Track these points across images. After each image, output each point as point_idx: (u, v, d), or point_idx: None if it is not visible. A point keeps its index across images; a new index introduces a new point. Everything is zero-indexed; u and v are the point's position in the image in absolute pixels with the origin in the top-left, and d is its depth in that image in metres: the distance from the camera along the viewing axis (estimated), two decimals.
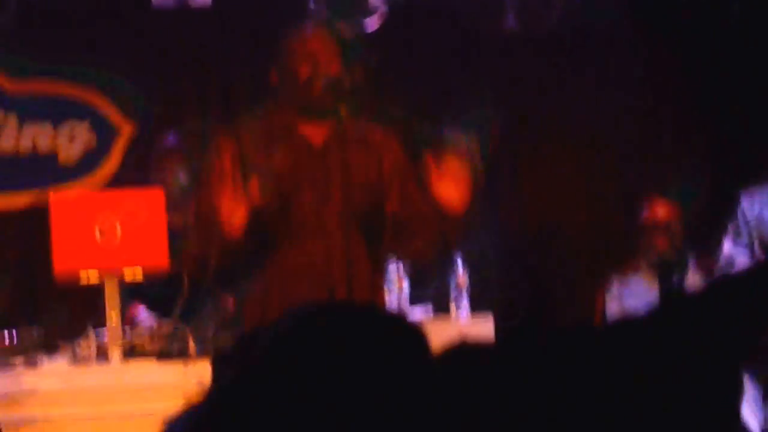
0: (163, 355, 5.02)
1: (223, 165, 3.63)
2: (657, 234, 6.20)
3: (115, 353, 5.03)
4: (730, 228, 5.24)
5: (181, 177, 5.84)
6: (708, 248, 5.75)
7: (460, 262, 6.10)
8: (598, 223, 7.48)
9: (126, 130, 7.13)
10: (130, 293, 5.45)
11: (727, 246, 5.26)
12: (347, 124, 3.66)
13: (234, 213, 3.55)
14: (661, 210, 6.26)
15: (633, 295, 6.21)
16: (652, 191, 6.61)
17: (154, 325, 5.25)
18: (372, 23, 6.84)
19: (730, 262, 5.20)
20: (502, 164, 7.25)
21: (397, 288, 5.99)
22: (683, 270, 6.20)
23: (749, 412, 4.95)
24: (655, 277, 6.25)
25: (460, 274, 6.08)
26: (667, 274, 6.23)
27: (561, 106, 7.33)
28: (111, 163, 7.12)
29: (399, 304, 5.95)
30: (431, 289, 6.29)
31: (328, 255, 3.62)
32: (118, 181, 6.91)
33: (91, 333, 5.10)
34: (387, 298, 5.42)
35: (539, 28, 7.04)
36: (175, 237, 5.07)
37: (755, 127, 7.08)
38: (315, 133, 3.71)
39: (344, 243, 3.57)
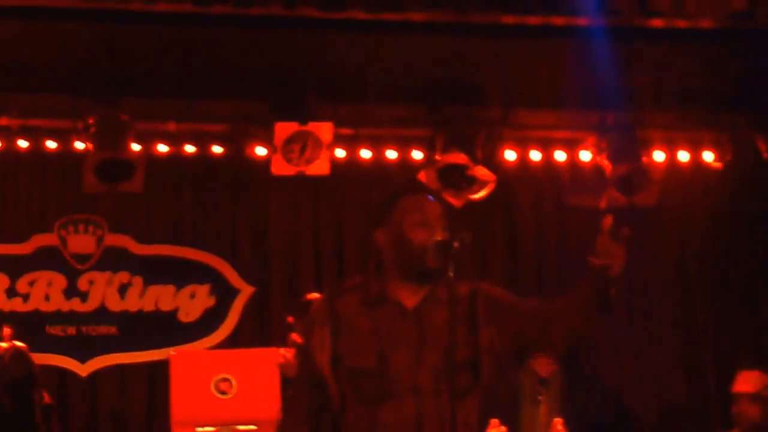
0: None
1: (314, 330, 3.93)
2: (749, 403, 6.29)
3: None
4: None
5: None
6: None
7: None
8: (694, 393, 7.64)
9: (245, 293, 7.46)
10: None
11: None
12: (439, 287, 3.91)
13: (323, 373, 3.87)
14: (752, 379, 6.34)
15: None
16: (744, 361, 6.74)
17: None
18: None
19: None
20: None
21: None
22: None
23: None
24: None
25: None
26: None
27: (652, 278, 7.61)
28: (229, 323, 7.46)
29: None
30: None
31: (420, 413, 3.83)
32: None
33: None
34: None
35: None
36: None
37: None
38: (408, 297, 3.96)
39: (435, 403, 3.80)
